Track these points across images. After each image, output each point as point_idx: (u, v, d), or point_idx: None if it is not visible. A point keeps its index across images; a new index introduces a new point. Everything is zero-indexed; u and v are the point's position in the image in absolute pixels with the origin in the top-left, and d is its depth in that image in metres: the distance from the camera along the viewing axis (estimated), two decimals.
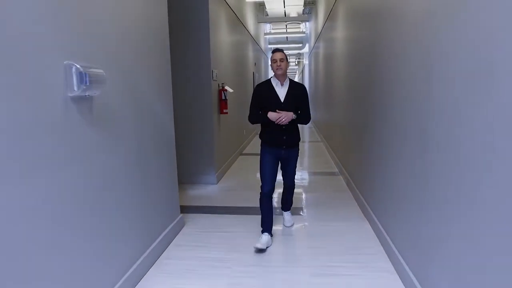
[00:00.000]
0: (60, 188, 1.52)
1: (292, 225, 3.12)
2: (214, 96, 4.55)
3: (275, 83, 2.74)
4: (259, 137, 2.89)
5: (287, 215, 3.17)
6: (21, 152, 1.31)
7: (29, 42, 1.35)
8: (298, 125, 2.79)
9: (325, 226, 3.10)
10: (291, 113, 2.62)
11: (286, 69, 2.70)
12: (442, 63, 1.63)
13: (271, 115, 2.63)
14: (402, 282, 2.14)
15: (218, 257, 2.56)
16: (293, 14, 10.77)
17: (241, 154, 6.58)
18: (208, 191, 4.24)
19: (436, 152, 1.70)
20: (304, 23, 12.12)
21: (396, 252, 2.30)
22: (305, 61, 16.22)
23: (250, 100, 2.80)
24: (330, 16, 6.23)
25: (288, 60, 2.78)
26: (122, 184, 2.07)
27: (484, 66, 1.28)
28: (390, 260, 2.42)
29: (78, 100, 1.66)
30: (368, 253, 2.55)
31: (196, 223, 3.22)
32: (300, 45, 14.50)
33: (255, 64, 9.57)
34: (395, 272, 2.28)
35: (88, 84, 1.64)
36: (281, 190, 3.14)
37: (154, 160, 2.57)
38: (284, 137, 2.72)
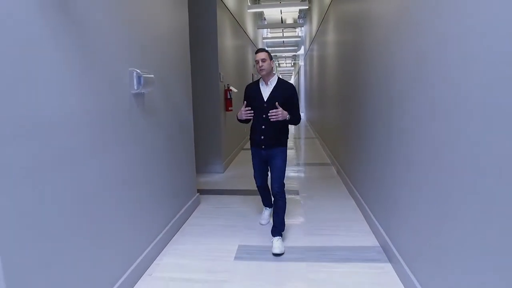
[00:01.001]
0: (128, 158, 2.14)
1: (282, 253, 2.56)
2: (220, 96, 5.17)
3: (261, 82, 2.76)
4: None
5: (276, 241, 2.61)
6: (104, 130, 1.93)
7: (111, 56, 1.97)
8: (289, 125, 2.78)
9: (318, 203, 3.73)
10: (286, 112, 2.57)
11: (270, 68, 2.66)
12: (403, 65, 2.27)
13: (239, 113, 2.72)
14: (374, 235, 2.79)
15: (230, 224, 3.19)
16: (289, 20, 11.46)
17: (243, 149, 7.21)
18: (216, 178, 4.86)
19: (395, 140, 2.34)
20: (299, 28, 12.79)
21: (371, 215, 2.95)
22: (301, 63, 16.89)
23: None
24: (323, 22, 6.88)
25: (272, 59, 2.71)
26: (160, 162, 2.68)
27: (425, 70, 1.92)
28: (368, 224, 3.06)
29: (136, 95, 2.28)
30: (351, 220, 3.20)
31: (209, 202, 3.84)
32: (296, 47, 15.18)
33: (254, 66, 10.20)
34: (371, 232, 2.92)
35: (142, 84, 2.27)
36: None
37: (179, 147, 3.19)
38: (262, 137, 2.70)
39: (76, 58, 1.66)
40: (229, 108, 5.50)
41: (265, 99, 2.68)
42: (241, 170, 5.38)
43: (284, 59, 22.08)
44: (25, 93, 1.34)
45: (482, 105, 1.33)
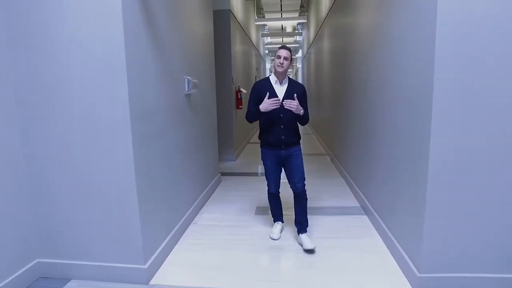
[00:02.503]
0: (183, 139, 3.08)
1: (315, 247, 2.62)
2: (233, 96, 6.12)
3: (274, 81, 2.68)
4: (258, 138, 2.84)
5: (304, 238, 2.70)
6: (172, 116, 2.87)
7: (175, 67, 2.92)
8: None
9: (314, 181, 4.68)
10: (301, 107, 2.57)
11: (287, 68, 2.64)
12: (382, 67, 3.22)
13: (263, 105, 2.55)
14: (356, 199, 3.75)
15: (247, 194, 4.13)
16: (289, 28, 12.48)
17: (249, 142, 8.16)
18: (231, 164, 5.81)
19: (370, 128, 3.28)
20: (297, 36, 13.80)
21: (355, 186, 3.90)
22: (299, 65, 17.90)
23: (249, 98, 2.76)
24: (319, 31, 7.83)
25: (292, 62, 2.79)
26: (197, 144, 3.62)
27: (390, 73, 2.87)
28: (352, 192, 4.02)
29: (187, 95, 3.22)
30: (340, 191, 4.15)
31: (228, 180, 4.79)
32: (294, 51, 16.16)
33: (256, 69, 11.15)
34: (354, 197, 3.88)
35: (190, 87, 3.21)
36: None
37: (208, 136, 4.12)
38: (283, 137, 2.65)
39: (161, 70, 2.60)
40: (240, 107, 6.44)
41: (281, 98, 2.61)
42: (249, 159, 6.33)
43: None
44: (143, 91, 2.28)
45: (415, 104, 2.27)
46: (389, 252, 2.60)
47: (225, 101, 5.95)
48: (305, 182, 2.73)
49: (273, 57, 2.33)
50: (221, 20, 5.75)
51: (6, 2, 2.06)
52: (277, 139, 2.67)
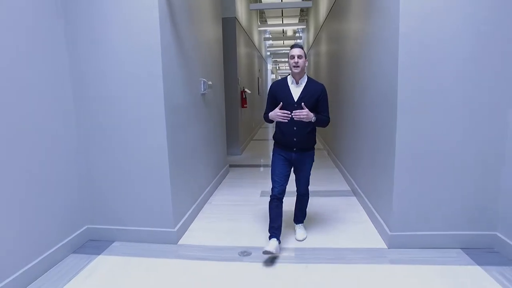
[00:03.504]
0: (199, 132, 3.67)
1: (304, 239, 2.82)
2: (238, 96, 6.71)
3: (290, 81, 2.59)
4: (272, 138, 2.78)
5: (299, 228, 2.90)
6: (193, 112, 3.46)
7: (194, 70, 3.51)
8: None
9: (312, 173, 5.25)
10: (312, 114, 2.46)
11: (304, 67, 2.52)
12: (365, 70, 3.80)
13: (272, 114, 2.53)
14: (348, 184, 4.33)
15: (253, 181, 4.71)
16: (289, 32, 13.08)
17: (252, 139, 8.75)
18: (236, 158, 6.40)
19: (359, 123, 3.86)
20: (297, 40, 14.38)
21: (346, 173, 4.49)
22: None
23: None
24: (318, 35, 8.41)
25: (307, 58, 2.60)
26: (211, 138, 4.21)
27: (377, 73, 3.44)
28: (344, 179, 4.60)
29: (202, 95, 3.81)
30: (334, 178, 4.73)
31: (235, 171, 5.37)
32: None
33: (259, 70, 11.74)
34: (346, 183, 4.46)
35: (205, 88, 3.79)
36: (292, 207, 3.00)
37: (218, 131, 4.71)
38: (295, 139, 2.56)
39: (184, 74, 3.19)
40: (244, 106, 7.04)
41: (296, 99, 2.53)
42: (253, 153, 6.92)
43: (283, 63, 23.66)
44: (173, 92, 2.87)
45: (386, 104, 2.84)
46: (370, 221, 3.18)
47: (232, 100, 6.54)
48: (308, 188, 2.85)
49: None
50: (228, 27, 6.34)
51: (74, 26, 2.65)
52: (289, 141, 2.59)
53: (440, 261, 2.44)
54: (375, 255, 2.57)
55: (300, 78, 2.58)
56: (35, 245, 2.34)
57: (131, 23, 2.61)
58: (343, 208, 3.59)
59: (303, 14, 11.88)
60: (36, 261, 2.33)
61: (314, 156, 2.77)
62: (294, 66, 2.50)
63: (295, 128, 2.55)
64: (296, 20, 11.81)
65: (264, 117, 2.68)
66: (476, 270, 2.31)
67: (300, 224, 2.96)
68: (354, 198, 3.90)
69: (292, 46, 2.58)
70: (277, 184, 2.63)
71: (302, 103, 2.48)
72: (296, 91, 2.57)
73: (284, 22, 11.21)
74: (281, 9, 10.49)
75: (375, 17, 3.07)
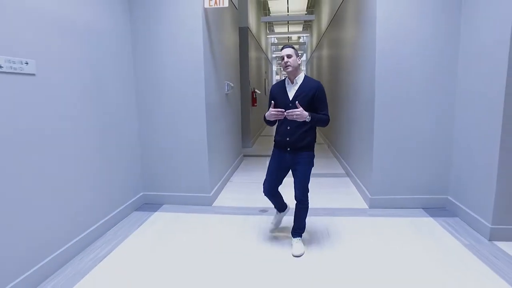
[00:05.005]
0: (225, 124, 4.62)
1: (301, 255, 2.60)
2: (249, 96, 7.66)
3: (287, 81, 2.58)
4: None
5: (295, 242, 2.68)
6: (220, 108, 4.41)
7: (221, 74, 4.46)
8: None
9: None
10: (306, 113, 2.39)
11: (296, 65, 2.49)
12: (356, 74, 4.73)
13: (267, 113, 2.50)
14: (342, 168, 5.26)
15: (263, 167, 5.52)
16: (294, 37, 14.04)
17: (260, 135, 9.70)
18: (248, 149, 7.36)
19: (353, 119, 4.79)
20: (302, 37, 15.33)
21: (342, 160, 5.43)
22: (303, 68, 19.44)
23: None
24: (320, 41, 9.35)
25: (298, 55, 2.54)
26: (231, 131, 5.16)
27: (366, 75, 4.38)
28: (340, 166, 5.54)
29: (226, 95, 4.76)
30: (332, 165, 5.67)
31: (248, 160, 6.33)
32: (300, 52, 17.75)
33: (265, 72, 12.68)
34: (341, 167, 5.40)
35: (228, 89, 4.75)
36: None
37: (236, 125, 5.66)
38: (288, 139, 2.53)
39: (216, 77, 4.14)
40: (254, 104, 7.99)
41: (290, 98, 2.50)
42: (262, 146, 7.87)
43: None
44: (210, 91, 3.82)
45: (367, 102, 3.77)
46: (358, 192, 4.13)
47: (244, 99, 7.49)
48: (308, 193, 2.63)
49: (280, 61, 2.63)
50: (242, 35, 7.29)
51: (136, 30, 3.61)
52: (283, 140, 2.56)
53: (406, 215, 3.37)
54: (358, 212, 3.52)
55: (295, 77, 2.54)
56: (110, 203, 3.28)
57: (182, 43, 3.57)
58: (337, 185, 4.53)
59: (307, 21, 12.84)
60: (112, 214, 3.27)
61: (314, 160, 2.67)
62: (285, 66, 2.51)
63: (288, 128, 2.52)
64: (300, 28, 12.78)
65: (264, 120, 2.67)
66: (430, 221, 3.25)
67: (297, 238, 2.71)
68: (347, 179, 4.84)
69: (282, 48, 2.58)
70: (266, 182, 2.70)
71: (296, 102, 2.41)
72: (291, 90, 2.55)
73: (289, 30, 12.17)
74: (287, 14, 11.46)
75: (360, 36, 4.00)
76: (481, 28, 2.90)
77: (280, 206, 2.89)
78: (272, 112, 2.45)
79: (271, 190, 2.72)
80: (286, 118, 2.45)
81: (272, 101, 2.52)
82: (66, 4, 2.58)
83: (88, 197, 2.87)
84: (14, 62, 2.09)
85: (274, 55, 18.16)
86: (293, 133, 2.52)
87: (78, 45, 2.71)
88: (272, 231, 3.03)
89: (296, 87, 2.52)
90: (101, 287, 2.26)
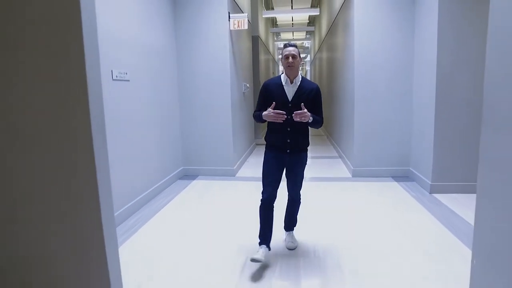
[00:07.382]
0: (242, 117, 5.90)
1: (294, 248, 2.72)
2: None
3: (284, 80, 2.46)
4: (264, 139, 2.65)
5: (288, 235, 2.79)
6: (239, 104, 5.70)
7: (240, 76, 5.74)
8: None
9: (314, 150, 7.45)
10: (309, 114, 2.32)
11: (298, 66, 2.44)
12: (344, 73, 5.97)
13: (266, 113, 2.36)
14: (336, 152, 6.51)
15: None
16: (298, 43, 15.29)
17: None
18: (259, 140, 8.65)
19: (344, 111, 6.03)
20: (306, 41, 16.56)
21: (336, 146, 6.67)
22: (307, 68, 20.63)
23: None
24: (321, 45, 10.57)
25: (301, 57, 2.49)
26: (247, 122, 6.44)
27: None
28: (335, 151, 6.79)
29: (243, 93, 6.04)
30: (327, 150, 6.93)
31: (259, 147, 7.60)
32: (304, 56, 18.88)
33: (273, 73, 13.93)
34: (335, 152, 6.65)
35: (245, 89, 6.02)
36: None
37: (249, 118, 6.93)
38: (288, 140, 2.44)
39: (237, 79, 5.41)
40: None
41: (290, 99, 2.43)
42: None
43: None
44: (234, 91, 5.09)
45: (350, 97, 5.00)
46: (345, 167, 5.39)
47: (256, 97, 8.77)
48: (300, 192, 2.66)
49: (282, 56, 2.51)
50: (253, 42, 8.55)
51: (178, 41, 4.91)
52: (282, 142, 2.47)
53: (379, 181, 4.63)
54: (343, 178, 4.80)
55: (295, 78, 2.46)
56: (165, 171, 4.58)
57: (215, 55, 4.85)
58: (329, 164, 5.81)
59: (309, 31, 14.05)
60: (166, 178, 4.57)
61: (307, 157, 2.61)
62: (288, 66, 2.40)
63: (289, 129, 2.43)
64: (303, 35, 14.00)
65: (254, 116, 2.57)
66: (394, 184, 4.49)
67: (290, 232, 2.80)
68: (339, 160, 6.10)
69: (286, 45, 2.49)
70: (268, 188, 2.51)
71: (302, 104, 2.35)
72: (290, 91, 2.46)
73: (294, 37, 13.42)
74: (291, 24, 12.68)
75: (346, 46, 5.25)
76: (424, 45, 4.14)
77: (270, 231, 2.54)
78: (272, 113, 2.34)
79: (273, 199, 2.52)
80: (287, 118, 2.35)
81: (274, 102, 2.37)
82: (146, 34, 3.90)
83: (154, 163, 4.18)
84: (120, 73, 3.39)
85: (279, 57, 19.43)
86: (294, 135, 2.45)
87: (149, 60, 4.02)
88: (256, 260, 2.38)
89: (295, 88, 2.46)
90: (170, 218, 3.55)
